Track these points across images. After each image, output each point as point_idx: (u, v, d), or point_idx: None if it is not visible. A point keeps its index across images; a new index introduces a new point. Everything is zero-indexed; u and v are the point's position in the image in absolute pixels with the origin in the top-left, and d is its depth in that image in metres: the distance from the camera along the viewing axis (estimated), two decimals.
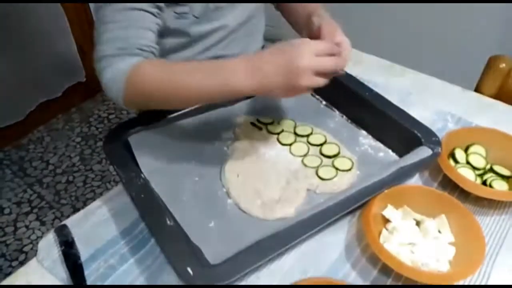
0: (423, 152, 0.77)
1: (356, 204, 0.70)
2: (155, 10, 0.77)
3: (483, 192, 0.75)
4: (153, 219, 0.68)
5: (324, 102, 0.98)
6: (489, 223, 0.74)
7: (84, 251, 0.70)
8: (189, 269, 0.60)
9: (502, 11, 1.49)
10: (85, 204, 0.78)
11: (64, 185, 1.93)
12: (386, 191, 0.72)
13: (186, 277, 0.60)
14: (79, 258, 0.69)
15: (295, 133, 0.89)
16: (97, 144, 2.10)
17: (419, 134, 0.81)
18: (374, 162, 0.83)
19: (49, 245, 0.71)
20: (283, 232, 0.66)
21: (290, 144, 0.86)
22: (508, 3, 1.46)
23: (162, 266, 0.68)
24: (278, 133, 0.88)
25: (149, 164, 0.80)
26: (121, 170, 0.75)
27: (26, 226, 1.77)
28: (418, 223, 0.72)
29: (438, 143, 0.79)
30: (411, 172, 0.78)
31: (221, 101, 0.80)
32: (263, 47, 1.06)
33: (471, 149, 0.83)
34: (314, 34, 0.75)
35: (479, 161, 0.82)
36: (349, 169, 0.81)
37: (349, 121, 0.93)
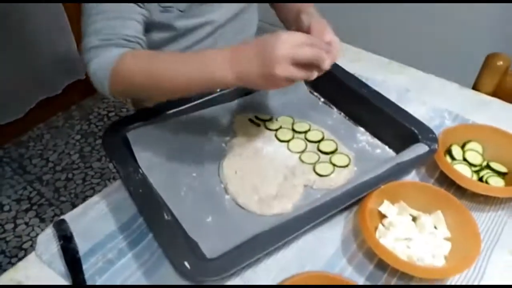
0: (420, 149, 0.78)
1: (352, 199, 0.71)
2: (139, 2, 0.78)
3: (479, 188, 0.75)
4: (151, 214, 0.68)
5: (322, 99, 0.98)
6: (485, 219, 0.75)
7: (82, 246, 0.70)
8: (186, 263, 0.60)
9: (500, 9, 1.49)
10: (84, 201, 0.78)
11: (63, 182, 1.93)
12: (382, 187, 0.72)
13: (183, 271, 0.61)
14: (77, 252, 0.69)
15: (293, 130, 0.89)
16: (97, 141, 2.10)
17: (416, 131, 0.81)
18: (371, 158, 0.84)
19: (48, 239, 0.71)
20: (280, 227, 0.66)
21: (288, 141, 0.87)
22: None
23: (159, 260, 0.68)
24: (276, 130, 0.89)
25: (148, 160, 0.80)
26: (120, 165, 0.75)
27: (26, 223, 1.78)
28: (414, 219, 0.72)
29: (434, 139, 0.80)
30: (407, 168, 0.78)
31: (204, 91, 0.79)
32: None
33: (468, 146, 0.84)
34: (305, 30, 0.75)
35: (475, 158, 0.82)
36: (346, 166, 0.81)
37: (347, 118, 0.93)
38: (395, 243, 0.68)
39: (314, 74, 0.67)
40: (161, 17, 0.85)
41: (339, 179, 0.79)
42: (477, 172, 0.81)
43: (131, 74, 0.72)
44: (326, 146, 0.85)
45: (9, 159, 2.04)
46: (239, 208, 0.76)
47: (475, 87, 1.06)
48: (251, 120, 0.91)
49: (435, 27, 1.64)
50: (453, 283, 0.66)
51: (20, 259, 0.70)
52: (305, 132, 0.89)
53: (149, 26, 0.84)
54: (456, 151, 0.83)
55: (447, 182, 0.79)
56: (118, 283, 0.66)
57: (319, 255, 0.69)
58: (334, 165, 0.81)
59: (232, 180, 0.79)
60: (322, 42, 0.68)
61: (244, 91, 0.93)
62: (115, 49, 0.74)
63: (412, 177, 0.82)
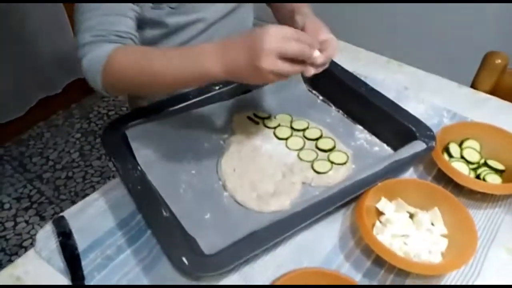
0: (417, 146, 0.78)
1: (350, 196, 0.71)
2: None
3: (476, 185, 0.76)
4: (149, 211, 0.69)
5: (321, 97, 0.99)
6: (481, 217, 0.75)
7: (81, 242, 0.71)
8: (184, 259, 0.61)
9: (499, 8, 1.50)
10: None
11: (63, 180, 1.94)
12: (380, 184, 0.73)
13: (181, 267, 0.61)
14: (76, 248, 0.69)
15: (292, 128, 0.90)
16: (97, 140, 2.11)
17: (413, 129, 0.82)
18: (369, 156, 0.84)
19: (47, 236, 0.72)
20: (277, 224, 0.66)
21: (286, 138, 0.87)
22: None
23: (158, 256, 0.69)
24: (275, 127, 0.89)
25: (146, 157, 0.81)
26: (119, 163, 0.76)
27: (26, 221, 1.78)
28: (411, 216, 0.73)
29: (432, 137, 0.80)
30: (405, 165, 0.79)
31: (195, 85, 0.79)
32: None
33: (466, 144, 0.84)
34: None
35: (473, 156, 0.82)
36: (344, 163, 0.82)
37: (345, 116, 0.94)
38: (392, 239, 0.68)
39: (304, 69, 0.67)
40: (152, 14, 0.86)
41: (337, 176, 0.79)
42: (474, 169, 0.81)
43: (122, 68, 0.73)
44: (324, 143, 0.86)
45: (9, 157, 2.04)
46: (237, 205, 0.76)
47: (473, 86, 1.06)
48: (249, 118, 0.91)
49: (434, 26, 1.64)
50: (449, 280, 0.66)
51: (20, 257, 0.70)
52: (304, 129, 0.89)
53: (141, 23, 0.85)
54: (454, 148, 0.83)
55: (444, 179, 0.79)
56: (116, 279, 0.66)
57: (317, 252, 0.70)
58: (332, 162, 0.82)
59: (230, 177, 0.79)
60: (312, 38, 0.68)
61: (242, 89, 0.94)
62: (107, 45, 0.74)
63: (410, 174, 0.82)
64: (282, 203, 0.75)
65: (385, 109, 0.86)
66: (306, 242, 0.71)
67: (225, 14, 0.95)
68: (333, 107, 0.96)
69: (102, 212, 0.76)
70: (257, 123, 0.90)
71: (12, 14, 1.94)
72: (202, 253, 0.65)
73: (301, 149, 0.85)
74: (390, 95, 0.90)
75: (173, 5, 0.86)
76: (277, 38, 0.62)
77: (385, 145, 0.87)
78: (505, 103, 0.98)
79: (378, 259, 0.67)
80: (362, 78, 0.96)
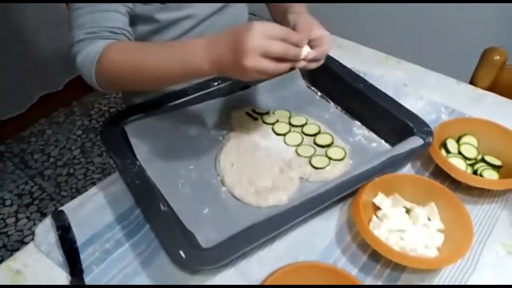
0: (415, 142, 0.78)
1: (346, 191, 0.72)
2: None
3: (473, 181, 0.76)
4: (148, 205, 0.69)
5: (319, 94, 0.99)
6: (478, 212, 0.75)
7: (80, 236, 0.71)
8: (181, 252, 0.61)
9: (497, 4, 1.49)
10: None
11: (65, 177, 1.95)
12: (376, 179, 0.73)
13: (178, 260, 0.62)
14: (75, 242, 0.70)
15: (290, 124, 0.90)
16: (98, 137, 2.11)
17: (411, 124, 0.82)
18: (367, 152, 0.85)
19: (46, 230, 0.73)
20: (274, 218, 0.67)
21: (285, 134, 0.88)
22: None
23: (156, 250, 0.69)
24: (273, 123, 0.90)
25: (145, 152, 0.81)
26: (117, 157, 0.76)
27: (27, 218, 1.79)
28: (408, 211, 0.73)
29: (430, 133, 0.80)
30: (402, 161, 0.79)
31: (185, 80, 0.79)
32: None
33: (463, 140, 0.84)
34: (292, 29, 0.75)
35: (470, 151, 0.83)
36: (342, 159, 0.82)
37: (344, 112, 0.94)
38: (388, 234, 0.69)
39: (290, 67, 0.67)
40: (143, 9, 0.86)
41: (335, 172, 0.80)
42: (471, 165, 0.82)
43: (114, 64, 0.74)
44: (322, 139, 0.86)
45: (11, 154, 2.05)
46: (235, 200, 0.76)
47: (472, 82, 1.06)
48: (248, 114, 0.91)
49: (433, 22, 1.64)
50: (446, 274, 0.67)
51: (19, 251, 0.71)
52: (302, 125, 0.89)
53: (132, 18, 0.85)
54: (451, 144, 0.83)
55: (442, 175, 0.79)
56: (115, 272, 0.67)
57: (314, 246, 0.70)
58: (329, 158, 0.82)
59: (228, 173, 0.80)
60: (301, 35, 0.67)
61: (241, 85, 0.94)
62: (100, 42, 0.75)
63: (407, 170, 0.83)
64: (280, 198, 0.76)
65: (383, 105, 0.87)
66: (303, 236, 0.72)
67: (216, 10, 0.95)
68: (332, 103, 0.96)
69: (101, 206, 0.76)
70: (256, 119, 0.91)
71: (13, 11, 1.94)
72: (199, 246, 0.65)
73: (299, 144, 0.86)
74: (389, 92, 0.90)
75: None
76: (261, 37, 0.61)
77: (383, 141, 0.87)
78: (504, 99, 0.99)
79: (375, 254, 0.67)
80: (361, 75, 0.96)
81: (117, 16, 0.78)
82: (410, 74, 1.05)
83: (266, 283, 0.60)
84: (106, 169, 1.94)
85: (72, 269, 0.66)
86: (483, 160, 0.82)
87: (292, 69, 0.69)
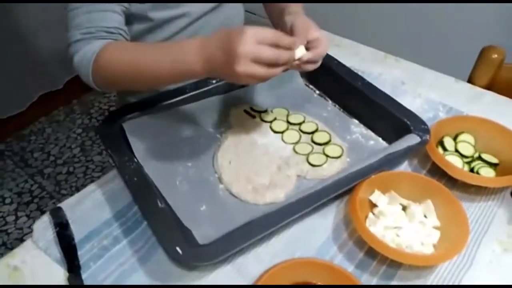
0: (412, 140, 0.79)
1: (343, 188, 0.72)
2: None
3: (470, 178, 0.76)
4: (145, 202, 0.69)
5: (317, 92, 0.99)
6: (475, 210, 0.76)
7: (78, 233, 0.72)
8: (178, 249, 0.62)
9: (495, 3, 1.49)
10: None
11: (64, 175, 1.95)
12: (373, 176, 0.73)
13: (175, 257, 0.62)
14: (73, 239, 0.70)
15: (288, 121, 0.90)
16: (97, 135, 2.12)
17: (408, 122, 0.82)
18: (364, 149, 0.85)
19: (44, 226, 0.73)
20: (271, 215, 0.67)
21: (283, 132, 0.88)
22: None
23: (153, 247, 0.69)
24: (271, 121, 0.90)
25: (143, 150, 0.81)
26: (115, 154, 0.76)
27: (27, 216, 1.80)
28: (404, 208, 0.73)
29: (426, 131, 0.80)
30: (398, 158, 0.79)
31: (179, 81, 0.79)
32: None
33: (460, 137, 0.84)
34: (288, 33, 0.76)
35: (467, 149, 0.83)
36: (339, 156, 0.82)
37: (342, 110, 0.94)
38: (384, 231, 0.69)
39: (282, 70, 0.67)
40: (136, 8, 0.86)
41: (332, 169, 0.80)
42: (468, 163, 0.82)
43: (110, 65, 0.74)
44: (319, 137, 0.86)
45: (10, 153, 2.06)
46: (232, 197, 0.77)
47: (470, 80, 1.07)
48: (246, 112, 0.92)
49: (432, 21, 1.64)
50: (441, 271, 0.67)
51: (17, 247, 0.71)
52: (300, 123, 0.90)
53: (128, 17, 0.85)
54: (448, 142, 0.83)
55: (438, 173, 0.79)
56: (112, 269, 0.67)
57: (310, 243, 0.70)
58: (327, 155, 0.82)
59: (226, 170, 0.80)
60: (291, 39, 0.67)
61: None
62: (96, 42, 0.76)
63: (404, 168, 0.83)
64: (277, 195, 0.76)
65: (380, 103, 0.87)
66: (299, 233, 0.72)
67: (209, 9, 0.95)
68: (330, 101, 0.96)
69: (99, 203, 0.76)
70: (254, 117, 0.91)
71: (13, 10, 1.95)
72: (196, 243, 0.66)
73: (297, 142, 0.86)
74: (387, 90, 0.90)
75: None
76: (252, 42, 0.62)
77: (380, 139, 0.87)
78: (502, 97, 0.99)
79: (371, 251, 0.67)
80: (359, 73, 0.96)
81: (114, 16, 0.79)
82: (409, 72, 1.06)
83: (263, 279, 0.61)
84: (106, 167, 1.94)
85: (69, 266, 0.67)
86: (480, 158, 0.82)
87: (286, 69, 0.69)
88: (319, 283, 0.63)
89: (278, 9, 0.88)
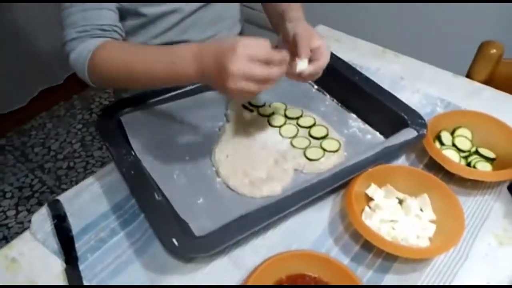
0: (408, 134, 0.79)
1: (339, 182, 0.72)
2: None
3: (466, 172, 0.76)
4: (143, 195, 0.70)
5: (315, 86, 0.99)
6: (471, 204, 0.76)
7: (75, 225, 0.72)
8: (174, 240, 0.62)
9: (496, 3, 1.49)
10: None
11: (65, 170, 1.96)
12: (370, 170, 0.74)
13: (171, 248, 0.63)
14: (70, 231, 0.71)
15: (285, 116, 0.90)
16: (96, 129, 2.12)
17: (405, 117, 0.82)
18: (361, 144, 0.85)
19: (42, 219, 0.73)
20: (267, 208, 0.68)
21: (280, 126, 0.88)
22: None
23: (150, 239, 0.70)
24: (269, 116, 0.90)
25: (141, 143, 0.82)
26: (113, 147, 0.77)
27: (28, 210, 1.80)
28: (400, 202, 0.74)
29: (424, 125, 0.80)
30: (395, 152, 0.79)
31: (174, 84, 0.80)
32: (241, 32, 1.07)
33: (458, 132, 0.84)
34: (290, 42, 0.77)
35: (464, 144, 0.83)
36: (336, 150, 0.82)
37: (340, 104, 0.94)
38: (380, 224, 0.69)
39: (273, 85, 0.67)
40: (127, 4, 0.86)
41: (329, 163, 0.80)
42: (465, 157, 0.82)
43: (106, 63, 0.75)
44: (317, 131, 0.86)
45: (11, 147, 2.06)
46: (229, 190, 0.77)
47: (469, 75, 1.07)
48: (244, 106, 0.92)
49: (430, 16, 1.64)
50: (437, 264, 0.67)
51: (15, 239, 0.72)
52: (297, 118, 0.90)
53: (121, 13, 0.85)
54: (446, 136, 0.84)
55: (436, 167, 0.79)
56: (109, 260, 0.68)
57: (306, 236, 0.71)
58: (324, 150, 0.83)
59: (223, 164, 0.80)
60: (283, 55, 0.67)
61: None
62: (91, 40, 0.76)
63: (401, 162, 0.83)
64: (274, 188, 0.76)
65: (378, 98, 0.87)
66: (296, 226, 0.72)
67: (202, 5, 0.94)
68: (328, 96, 0.96)
69: (97, 196, 0.77)
70: (252, 111, 0.91)
71: (13, 6, 1.95)
72: (192, 235, 0.66)
73: (294, 136, 0.86)
74: (385, 85, 0.90)
75: None
76: (243, 60, 0.62)
77: (377, 133, 0.87)
78: (500, 93, 0.99)
79: (367, 244, 0.68)
80: (358, 68, 0.96)
81: (108, 13, 0.79)
82: (407, 67, 1.06)
83: (258, 271, 0.61)
84: (106, 162, 1.94)
85: (67, 257, 0.67)
86: (477, 152, 0.82)
87: None
88: (314, 276, 0.63)
89: (277, 12, 0.87)
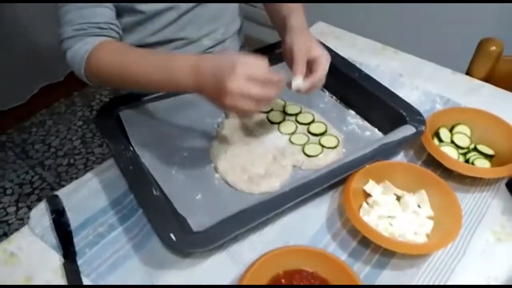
0: (407, 130, 0.79)
1: (337, 178, 0.72)
2: None
3: (464, 169, 0.76)
4: (141, 190, 0.70)
5: None
6: (469, 200, 0.76)
7: (74, 220, 0.72)
8: (172, 235, 0.62)
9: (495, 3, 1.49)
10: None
11: (65, 167, 1.96)
12: (367, 166, 0.74)
13: (169, 243, 0.63)
14: (69, 226, 0.71)
15: (284, 112, 0.90)
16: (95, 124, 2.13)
17: (404, 113, 0.82)
18: (360, 140, 0.85)
19: (41, 213, 0.74)
20: (265, 203, 0.68)
21: (279, 123, 0.88)
22: None
23: (148, 234, 0.70)
24: (268, 112, 0.90)
25: (140, 139, 0.82)
26: (112, 143, 0.77)
27: (28, 207, 1.81)
28: (398, 198, 0.74)
29: (422, 121, 0.80)
30: (393, 149, 0.79)
31: (169, 91, 0.81)
32: (240, 29, 1.07)
33: (456, 129, 0.84)
34: (288, 57, 0.78)
35: (463, 140, 0.83)
36: (335, 147, 0.83)
37: (338, 101, 0.94)
38: (378, 220, 0.69)
39: (269, 103, 0.70)
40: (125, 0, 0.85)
41: (327, 160, 0.80)
42: (464, 154, 0.82)
43: (102, 65, 0.75)
44: (316, 128, 0.86)
45: (12, 144, 2.07)
46: (228, 186, 0.77)
47: (468, 73, 1.06)
48: None
49: (430, 13, 1.64)
50: (435, 260, 0.67)
51: (14, 234, 0.72)
52: (296, 114, 0.90)
53: (118, 11, 0.85)
54: (444, 133, 0.84)
55: (434, 164, 0.79)
56: (107, 255, 0.68)
57: (304, 232, 0.71)
58: (322, 146, 0.83)
59: (222, 160, 0.80)
60: (280, 76, 0.68)
61: None
62: (88, 39, 0.76)
63: (400, 159, 0.83)
64: (272, 184, 0.76)
65: (377, 94, 0.87)
66: (294, 222, 0.72)
67: (198, 3, 0.93)
68: (327, 93, 0.96)
69: (95, 191, 0.77)
70: None
71: (14, 3, 1.95)
72: (190, 230, 0.66)
73: (293, 133, 0.86)
74: (385, 82, 0.90)
75: None
76: (242, 79, 0.63)
77: (376, 130, 0.87)
78: (499, 90, 0.99)
79: (364, 240, 0.68)
80: (357, 65, 0.96)
81: (105, 11, 0.79)
82: (406, 64, 1.06)
83: (255, 266, 0.61)
84: (106, 159, 1.93)
85: (65, 252, 0.67)
86: (475, 149, 0.82)
87: None
88: (311, 271, 0.63)
89: (279, 17, 0.87)
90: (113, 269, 0.66)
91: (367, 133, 0.87)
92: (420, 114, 0.82)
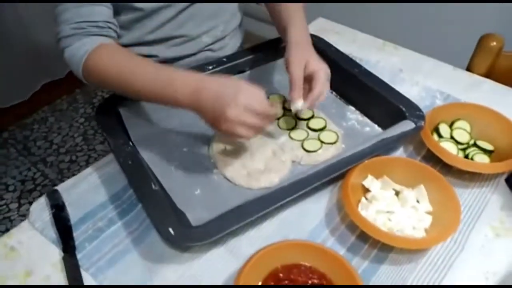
0: (406, 126, 0.79)
1: (336, 173, 0.72)
2: None
3: (463, 164, 0.76)
4: (140, 184, 0.70)
5: None
6: (468, 196, 0.76)
7: (74, 215, 0.73)
8: (170, 230, 0.62)
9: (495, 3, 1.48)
10: None
11: (67, 164, 1.97)
12: (366, 161, 0.74)
13: (168, 238, 0.63)
14: (68, 220, 0.71)
15: (284, 108, 0.90)
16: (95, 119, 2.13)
17: (403, 109, 0.82)
18: (359, 136, 0.85)
19: (41, 208, 0.74)
20: (264, 198, 0.68)
21: (278, 118, 0.88)
22: None
23: (148, 229, 0.70)
24: None
25: (140, 134, 0.82)
26: (111, 138, 0.77)
27: (30, 203, 1.80)
28: (397, 193, 0.74)
29: (421, 117, 0.80)
30: (392, 144, 0.79)
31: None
32: (240, 25, 1.06)
33: (456, 124, 0.84)
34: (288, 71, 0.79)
35: (463, 136, 0.83)
36: (334, 142, 0.83)
37: (338, 97, 0.95)
38: (376, 215, 0.69)
39: (264, 130, 0.75)
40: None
41: (326, 155, 0.80)
42: (463, 150, 0.82)
43: (100, 70, 0.75)
44: (315, 123, 0.87)
45: (14, 141, 2.07)
46: (227, 181, 0.77)
47: (469, 68, 1.06)
48: None
49: (430, 9, 1.63)
50: (433, 255, 0.68)
51: (14, 228, 0.72)
52: None
53: (116, 8, 0.84)
54: (444, 129, 0.83)
55: (433, 159, 0.79)
56: (107, 250, 0.68)
57: (303, 227, 0.71)
58: (322, 141, 0.83)
59: (221, 155, 0.80)
60: (276, 110, 0.73)
61: (236, 70, 0.94)
62: (87, 39, 0.76)
63: (399, 154, 0.83)
64: (272, 180, 0.76)
65: (376, 90, 0.87)
66: (292, 217, 0.72)
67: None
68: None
69: (95, 186, 0.77)
70: None
71: (13, 2, 1.95)
72: (189, 224, 0.67)
73: (292, 128, 0.86)
74: (385, 77, 0.90)
75: None
76: (241, 109, 0.66)
77: (376, 125, 0.87)
78: (500, 85, 0.98)
79: (363, 234, 0.68)
80: (358, 61, 0.96)
81: (103, 9, 0.79)
82: (407, 60, 1.05)
83: (253, 260, 0.61)
84: (108, 156, 1.95)
85: (65, 246, 0.68)
86: (475, 144, 0.82)
87: None
88: (309, 265, 0.64)
89: (282, 26, 0.87)
90: (112, 263, 0.67)
91: (367, 128, 0.87)
92: (419, 110, 0.82)
